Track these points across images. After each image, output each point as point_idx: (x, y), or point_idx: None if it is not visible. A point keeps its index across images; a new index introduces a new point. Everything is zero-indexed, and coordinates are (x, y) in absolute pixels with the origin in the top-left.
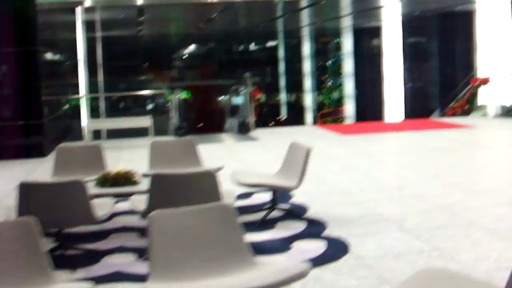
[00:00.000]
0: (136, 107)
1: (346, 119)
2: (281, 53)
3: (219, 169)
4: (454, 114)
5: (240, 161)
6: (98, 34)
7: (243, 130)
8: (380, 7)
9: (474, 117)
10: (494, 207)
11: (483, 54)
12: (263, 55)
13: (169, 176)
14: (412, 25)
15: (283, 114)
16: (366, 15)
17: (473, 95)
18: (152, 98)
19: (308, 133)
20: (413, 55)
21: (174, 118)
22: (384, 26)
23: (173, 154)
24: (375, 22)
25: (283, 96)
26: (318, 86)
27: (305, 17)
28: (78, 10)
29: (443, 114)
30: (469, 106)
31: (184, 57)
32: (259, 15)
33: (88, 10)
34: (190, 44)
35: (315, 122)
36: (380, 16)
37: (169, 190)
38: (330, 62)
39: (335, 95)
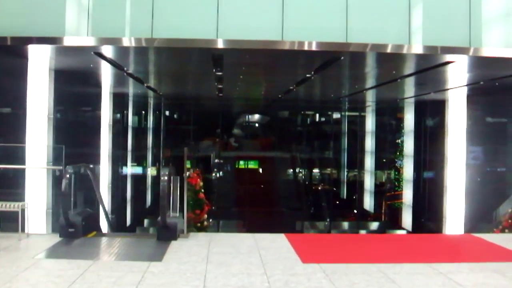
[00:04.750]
0: None
1: (405, 207)
2: (344, 126)
3: None
4: (507, 227)
5: None
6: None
7: (162, 235)
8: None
9: None
10: None
11: None
12: (327, 128)
13: None
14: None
15: (342, 194)
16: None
17: None
18: None
19: (266, 251)
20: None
21: (63, 208)
22: (451, 98)
23: None
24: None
25: (343, 174)
26: (386, 165)
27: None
28: None
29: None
30: None
31: (244, 125)
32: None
33: None
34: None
35: (378, 204)
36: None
37: None
38: (401, 139)
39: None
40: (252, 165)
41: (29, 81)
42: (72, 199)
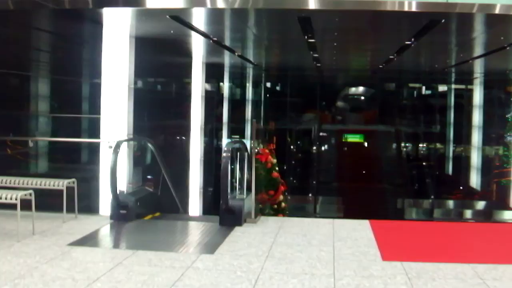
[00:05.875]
0: None
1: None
2: (450, 99)
3: None
4: None
5: None
6: None
7: (225, 220)
8: None
9: None
10: None
11: None
12: (432, 101)
13: None
14: None
15: (448, 170)
16: None
17: None
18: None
19: (342, 242)
20: None
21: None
22: None
23: None
24: None
25: (448, 150)
26: (494, 141)
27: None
28: None
29: None
30: None
31: (346, 97)
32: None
33: None
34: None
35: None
36: None
37: None
38: (510, 114)
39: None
40: (354, 138)
41: (106, 49)
42: (126, 176)
